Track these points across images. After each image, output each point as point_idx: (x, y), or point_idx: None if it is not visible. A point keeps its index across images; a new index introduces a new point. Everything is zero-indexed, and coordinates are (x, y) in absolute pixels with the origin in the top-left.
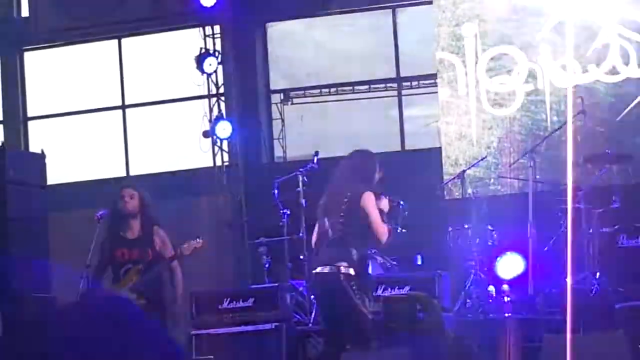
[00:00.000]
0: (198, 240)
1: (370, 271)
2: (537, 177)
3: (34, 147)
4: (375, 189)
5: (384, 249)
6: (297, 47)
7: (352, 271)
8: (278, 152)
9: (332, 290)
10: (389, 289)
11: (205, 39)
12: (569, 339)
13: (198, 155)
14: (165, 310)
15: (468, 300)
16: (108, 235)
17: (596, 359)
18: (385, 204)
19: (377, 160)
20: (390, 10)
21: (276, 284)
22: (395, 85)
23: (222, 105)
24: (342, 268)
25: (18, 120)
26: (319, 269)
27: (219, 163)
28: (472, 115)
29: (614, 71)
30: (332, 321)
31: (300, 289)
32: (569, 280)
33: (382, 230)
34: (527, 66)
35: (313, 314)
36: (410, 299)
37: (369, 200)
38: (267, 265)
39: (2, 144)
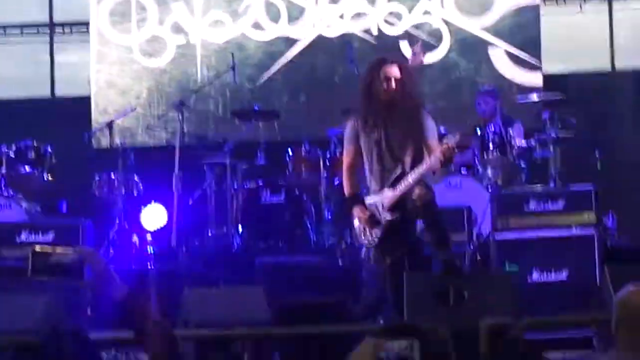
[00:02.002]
0: None
1: None
2: (185, 130)
3: None
4: None
5: (29, 195)
6: None
7: None
8: None
9: None
10: (33, 235)
11: None
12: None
13: None
14: None
15: (111, 250)
16: None
17: (235, 313)
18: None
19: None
20: None
21: None
22: (47, 30)
23: None
24: None
25: None
26: None
27: None
28: (122, 64)
29: (258, 27)
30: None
31: None
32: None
33: None
34: (177, 19)
35: None
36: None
37: None
38: None
39: None
